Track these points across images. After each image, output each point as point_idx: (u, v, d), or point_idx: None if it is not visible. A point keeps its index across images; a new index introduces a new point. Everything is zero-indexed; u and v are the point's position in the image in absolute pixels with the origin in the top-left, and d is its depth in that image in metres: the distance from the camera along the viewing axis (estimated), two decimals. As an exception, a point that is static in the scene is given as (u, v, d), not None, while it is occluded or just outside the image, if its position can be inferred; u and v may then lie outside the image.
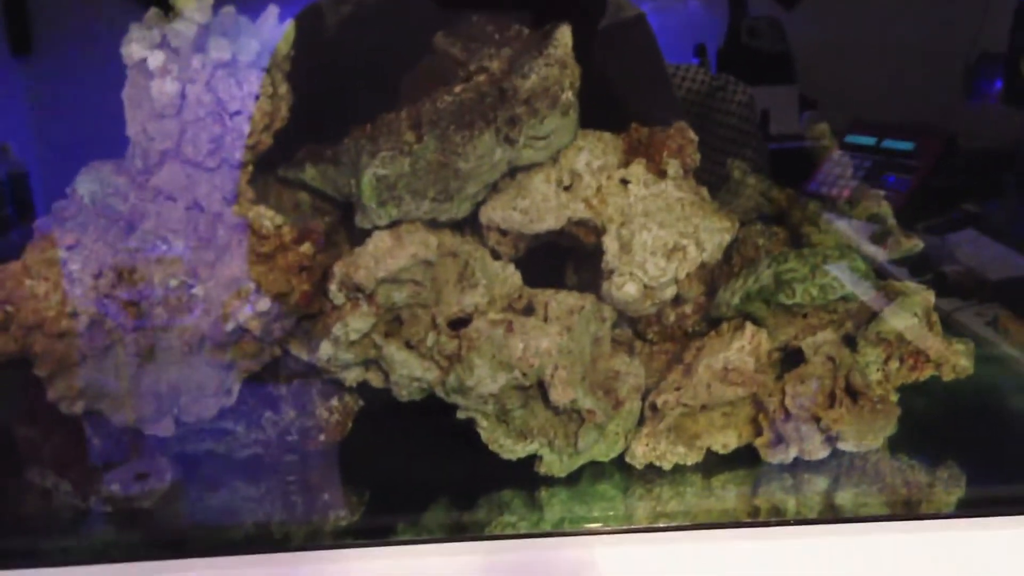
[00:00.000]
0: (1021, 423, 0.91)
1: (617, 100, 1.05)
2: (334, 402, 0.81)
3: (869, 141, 1.87)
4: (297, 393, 0.80)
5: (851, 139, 1.87)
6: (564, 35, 0.80)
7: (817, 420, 0.78)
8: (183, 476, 0.78)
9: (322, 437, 0.81)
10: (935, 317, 0.82)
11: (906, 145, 1.82)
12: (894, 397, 0.80)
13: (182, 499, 0.77)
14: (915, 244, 0.87)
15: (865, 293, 0.80)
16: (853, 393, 0.79)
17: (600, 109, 0.84)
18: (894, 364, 0.80)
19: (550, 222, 0.80)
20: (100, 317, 0.70)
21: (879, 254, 0.88)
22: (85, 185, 0.72)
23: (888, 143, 1.84)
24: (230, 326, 0.73)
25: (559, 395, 0.75)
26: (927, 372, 0.81)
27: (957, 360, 0.80)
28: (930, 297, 0.82)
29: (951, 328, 1.16)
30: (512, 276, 0.81)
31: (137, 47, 0.71)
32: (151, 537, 0.75)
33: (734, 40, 2.06)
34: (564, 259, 0.87)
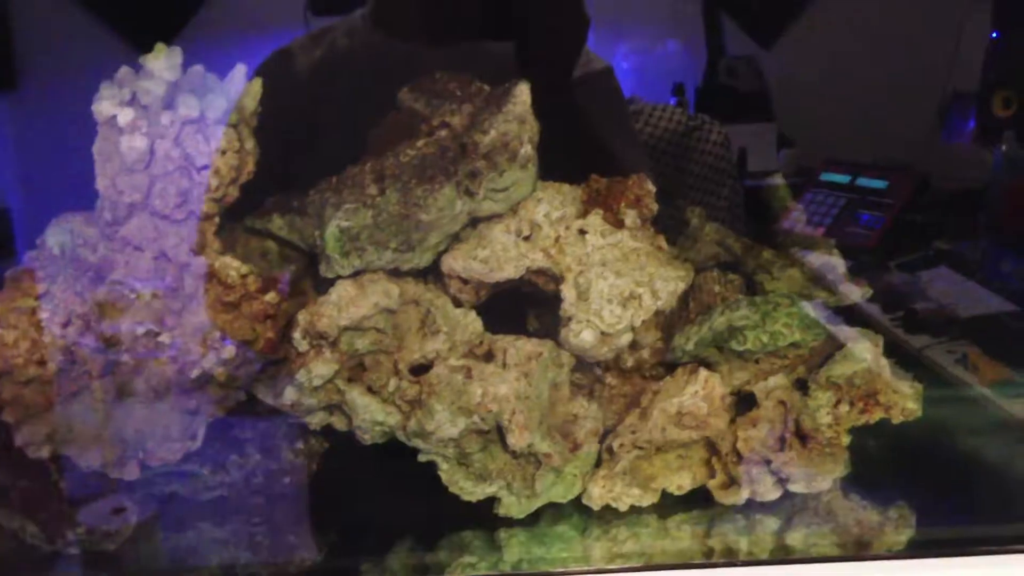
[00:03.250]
0: (978, 464, 0.93)
1: (585, 150, 1.08)
2: (299, 445, 0.83)
3: (844, 179, 1.89)
4: (262, 436, 0.82)
5: (826, 177, 1.90)
6: (523, 92, 0.83)
7: (768, 463, 0.80)
8: (148, 518, 0.80)
9: (287, 479, 0.83)
10: (884, 361, 0.84)
11: (880, 183, 1.83)
12: (845, 440, 0.82)
13: (147, 541, 0.79)
14: (865, 291, 0.90)
15: (816, 339, 0.82)
16: (803, 436, 0.81)
17: (570, 159, 0.87)
18: (844, 407, 0.82)
19: (509, 271, 0.82)
20: (68, 364, 0.73)
21: (832, 299, 0.91)
22: (55, 236, 0.75)
23: (862, 181, 1.86)
24: (196, 372, 0.75)
25: (516, 439, 0.77)
26: (876, 415, 0.83)
27: (905, 403, 0.82)
28: (879, 341, 0.85)
29: (921, 366, 1.18)
30: (473, 323, 0.83)
31: (107, 104, 0.74)
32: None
33: (712, 79, 2.09)
34: (525, 305, 0.89)
